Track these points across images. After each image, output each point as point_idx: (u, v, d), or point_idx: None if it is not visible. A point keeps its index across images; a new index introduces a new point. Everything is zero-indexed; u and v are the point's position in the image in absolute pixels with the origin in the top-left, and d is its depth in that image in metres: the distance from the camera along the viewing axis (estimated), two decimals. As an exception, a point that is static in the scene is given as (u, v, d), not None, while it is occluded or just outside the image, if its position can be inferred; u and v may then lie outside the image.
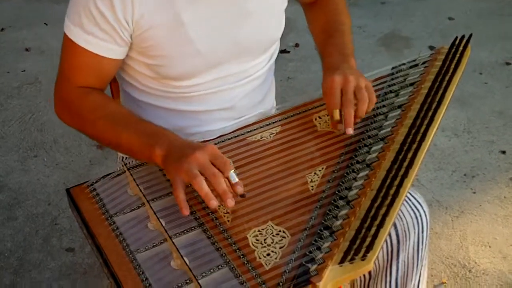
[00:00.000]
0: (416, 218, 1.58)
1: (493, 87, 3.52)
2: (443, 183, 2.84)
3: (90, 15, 1.47)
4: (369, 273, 1.63)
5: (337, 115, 1.55)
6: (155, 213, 1.37)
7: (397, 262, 1.58)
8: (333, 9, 1.83)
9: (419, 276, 1.64)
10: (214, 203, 1.32)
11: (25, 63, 3.75)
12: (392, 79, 1.78)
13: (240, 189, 1.36)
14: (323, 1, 1.86)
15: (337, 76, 1.56)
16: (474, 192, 2.80)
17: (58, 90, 1.60)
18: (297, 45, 3.84)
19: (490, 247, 2.52)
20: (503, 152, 3.02)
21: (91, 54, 1.52)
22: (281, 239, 1.32)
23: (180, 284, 1.24)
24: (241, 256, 1.28)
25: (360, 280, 1.68)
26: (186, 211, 1.33)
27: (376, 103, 1.67)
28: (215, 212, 1.38)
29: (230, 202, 1.33)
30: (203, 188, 1.32)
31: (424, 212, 1.60)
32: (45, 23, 4.13)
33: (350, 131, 1.54)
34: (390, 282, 1.60)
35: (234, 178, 1.36)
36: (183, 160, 1.35)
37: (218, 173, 1.34)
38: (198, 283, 1.22)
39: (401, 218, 1.56)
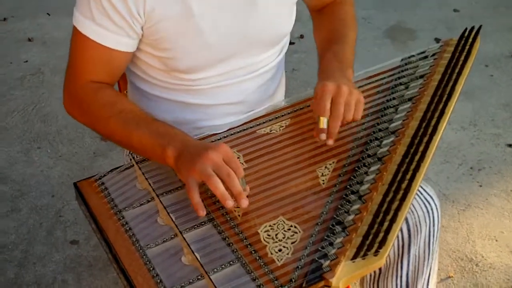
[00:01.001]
0: (428, 212, 1.56)
1: (499, 80, 3.50)
2: (449, 176, 2.83)
3: (101, 7, 1.44)
4: (380, 268, 1.62)
5: (323, 124, 1.51)
6: (165, 208, 1.35)
7: (408, 257, 1.57)
8: (339, 19, 1.79)
9: (430, 270, 1.63)
10: (230, 203, 1.32)
11: (27, 53, 3.73)
12: (402, 71, 1.77)
13: (247, 194, 1.38)
14: (330, 10, 1.83)
15: (331, 83, 1.51)
16: (481, 186, 2.78)
17: (67, 85, 1.57)
18: (301, 36, 3.82)
19: (497, 241, 2.51)
20: (510, 146, 3.00)
21: (103, 48, 1.49)
22: (293, 234, 1.30)
23: (191, 280, 1.22)
24: (253, 252, 1.27)
25: (370, 275, 1.67)
26: (203, 212, 1.32)
27: (386, 96, 1.66)
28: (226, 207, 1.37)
29: (245, 203, 1.33)
30: (219, 188, 1.31)
31: (435, 205, 1.59)
32: (47, 13, 4.11)
33: (331, 142, 1.51)
34: (401, 276, 1.59)
35: (243, 184, 1.37)
36: (196, 160, 1.33)
37: (232, 174, 1.33)
38: (210, 279, 1.20)
39: (412, 212, 1.54)
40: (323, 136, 1.51)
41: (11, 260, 2.44)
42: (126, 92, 1.81)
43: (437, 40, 3.73)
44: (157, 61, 1.59)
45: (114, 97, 1.52)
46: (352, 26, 1.79)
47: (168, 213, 1.34)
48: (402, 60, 1.81)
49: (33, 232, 2.56)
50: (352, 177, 1.43)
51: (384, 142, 1.52)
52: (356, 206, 1.35)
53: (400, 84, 1.71)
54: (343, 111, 1.50)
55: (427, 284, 1.64)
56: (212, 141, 1.55)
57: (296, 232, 1.31)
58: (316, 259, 1.24)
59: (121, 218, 1.36)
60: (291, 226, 1.32)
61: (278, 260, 1.25)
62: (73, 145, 3.02)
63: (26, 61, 3.66)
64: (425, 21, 4.06)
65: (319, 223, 1.33)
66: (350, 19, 1.80)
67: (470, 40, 1.84)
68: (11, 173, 2.85)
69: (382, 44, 3.84)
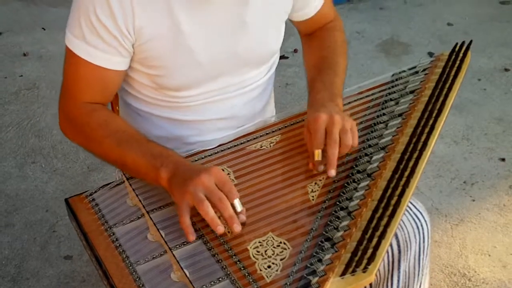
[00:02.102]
0: (417, 227, 1.56)
1: (492, 94, 3.51)
2: (442, 190, 2.83)
3: (91, 27, 1.45)
4: (370, 284, 1.62)
5: (318, 156, 1.49)
6: (154, 224, 1.36)
7: (398, 272, 1.57)
8: (329, 46, 1.79)
9: (420, 285, 1.63)
10: (221, 228, 1.32)
11: (22, 68, 3.74)
12: (392, 86, 1.78)
13: (243, 218, 1.36)
14: (321, 36, 1.84)
15: (323, 114, 1.50)
16: (474, 200, 2.78)
17: (62, 106, 1.57)
18: (295, 50, 3.83)
19: (489, 255, 2.51)
20: (503, 160, 3.01)
21: (95, 67, 1.49)
22: (282, 251, 1.31)
23: (180, 297, 1.23)
24: (242, 268, 1.27)
25: (361, 291, 1.67)
26: (192, 237, 1.32)
27: (376, 111, 1.67)
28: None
29: (237, 228, 1.33)
30: (209, 213, 1.31)
31: (425, 221, 1.59)
32: (42, 28, 4.12)
33: (333, 172, 1.47)
34: (391, 292, 1.59)
35: (239, 206, 1.35)
36: (188, 183, 1.34)
37: (224, 198, 1.33)
38: (199, 295, 1.21)
39: (402, 228, 1.54)
40: (321, 168, 1.50)
41: (4, 276, 2.44)
42: (118, 108, 1.81)
43: (431, 54, 3.74)
44: (147, 79, 1.59)
45: (108, 118, 1.52)
46: (342, 53, 1.79)
47: (158, 230, 1.35)
48: (393, 75, 1.82)
49: (27, 247, 2.56)
50: (341, 193, 1.44)
51: (374, 158, 1.53)
52: (345, 222, 1.35)
53: (391, 99, 1.72)
54: (338, 139, 1.49)
55: (418, 299, 1.64)
56: (202, 157, 1.56)
57: (285, 249, 1.31)
58: (305, 275, 1.25)
59: (112, 234, 1.37)
60: (281, 242, 1.33)
61: (267, 276, 1.26)
62: (67, 160, 3.02)
63: (21, 76, 3.67)
64: (419, 35, 4.08)
65: (308, 240, 1.33)
66: (340, 46, 1.80)
67: (461, 54, 1.84)
68: (5, 188, 2.85)
69: (375, 58, 3.85)
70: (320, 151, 1.49)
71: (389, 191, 1.42)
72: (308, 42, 1.87)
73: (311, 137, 1.51)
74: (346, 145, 1.50)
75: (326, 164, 1.48)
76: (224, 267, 1.28)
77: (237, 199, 1.35)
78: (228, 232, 1.35)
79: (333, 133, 1.48)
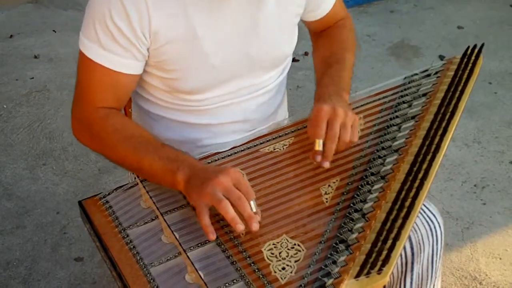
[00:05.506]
0: (431, 230, 1.57)
1: (503, 97, 3.51)
2: (453, 194, 2.83)
3: (107, 31, 1.45)
4: (384, 286, 1.62)
5: (319, 146, 1.51)
6: (169, 226, 1.36)
7: (412, 275, 1.57)
8: (339, 42, 1.82)
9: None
10: (241, 227, 1.32)
11: (33, 70, 3.75)
12: (405, 89, 1.78)
13: (258, 219, 1.36)
14: (331, 33, 1.85)
15: (326, 106, 1.53)
16: (484, 203, 2.78)
17: (76, 111, 1.56)
18: (306, 53, 3.83)
19: (501, 259, 2.50)
20: (513, 163, 3.01)
21: (110, 71, 1.49)
22: (296, 253, 1.31)
23: (195, 299, 1.23)
24: (256, 270, 1.27)
25: (374, 293, 1.67)
26: (213, 236, 1.33)
27: (389, 114, 1.67)
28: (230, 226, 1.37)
29: (256, 226, 1.34)
30: (229, 212, 1.32)
31: (439, 223, 1.59)
32: (53, 30, 4.13)
33: (327, 164, 1.51)
34: (404, 295, 1.59)
35: (254, 207, 1.36)
36: (206, 184, 1.34)
37: (243, 197, 1.34)
38: (214, 297, 1.21)
39: (415, 230, 1.55)
40: (318, 158, 1.52)
41: (15, 277, 2.44)
42: (131, 110, 1.82)
43: (442, 57, 3.74)
44: (161, 82, 1.59)
45: (124, 123, 1.52)
46: (351, 49, 1.80)
47: (172, 232, 1.35)
48: (405, 78, 1.82)
49: (38, 249, 2.56)
50: (355, 196, 1.44)
51: (388, 160, 1.53)
52: (359, 225, 1.35)
53: (403, 102, 1.72)
54: (338, 133, 1.51)
55: (431, 302, 1.64)
56: (216, 160, 1.56)
57: (299, 251, 1.31)
58: (320, 277, 1.25)
59: (126, 236, 1.37)
60: (295, 244, 1.33)
61: (281, 278, 1.26)
62: (78, 162, 3.03)
63: (32, 78, 3.67)
64: (429, 38, 4.08)
65: (322, 242, 1.33)
66: (349, 43, 1.82)
67: (473, 58, 1.84)
68: (16, 190, 2.86)
69: (386, 61, 3.85)
70: (320, 141, 1.51)
71: (403, 193, 1.42)
72: (318, 39, 1.88)
73: (312, 127, 1.53)
74: (344, 141, 1.52)
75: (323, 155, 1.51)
76: (239, 269, 1.28)
77: (253, 200, 1.36)
78: (242, 235, 1.35)
79: (333, 126, 1.51)
